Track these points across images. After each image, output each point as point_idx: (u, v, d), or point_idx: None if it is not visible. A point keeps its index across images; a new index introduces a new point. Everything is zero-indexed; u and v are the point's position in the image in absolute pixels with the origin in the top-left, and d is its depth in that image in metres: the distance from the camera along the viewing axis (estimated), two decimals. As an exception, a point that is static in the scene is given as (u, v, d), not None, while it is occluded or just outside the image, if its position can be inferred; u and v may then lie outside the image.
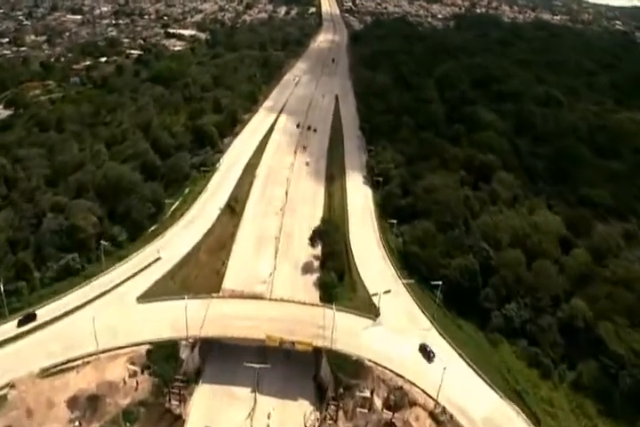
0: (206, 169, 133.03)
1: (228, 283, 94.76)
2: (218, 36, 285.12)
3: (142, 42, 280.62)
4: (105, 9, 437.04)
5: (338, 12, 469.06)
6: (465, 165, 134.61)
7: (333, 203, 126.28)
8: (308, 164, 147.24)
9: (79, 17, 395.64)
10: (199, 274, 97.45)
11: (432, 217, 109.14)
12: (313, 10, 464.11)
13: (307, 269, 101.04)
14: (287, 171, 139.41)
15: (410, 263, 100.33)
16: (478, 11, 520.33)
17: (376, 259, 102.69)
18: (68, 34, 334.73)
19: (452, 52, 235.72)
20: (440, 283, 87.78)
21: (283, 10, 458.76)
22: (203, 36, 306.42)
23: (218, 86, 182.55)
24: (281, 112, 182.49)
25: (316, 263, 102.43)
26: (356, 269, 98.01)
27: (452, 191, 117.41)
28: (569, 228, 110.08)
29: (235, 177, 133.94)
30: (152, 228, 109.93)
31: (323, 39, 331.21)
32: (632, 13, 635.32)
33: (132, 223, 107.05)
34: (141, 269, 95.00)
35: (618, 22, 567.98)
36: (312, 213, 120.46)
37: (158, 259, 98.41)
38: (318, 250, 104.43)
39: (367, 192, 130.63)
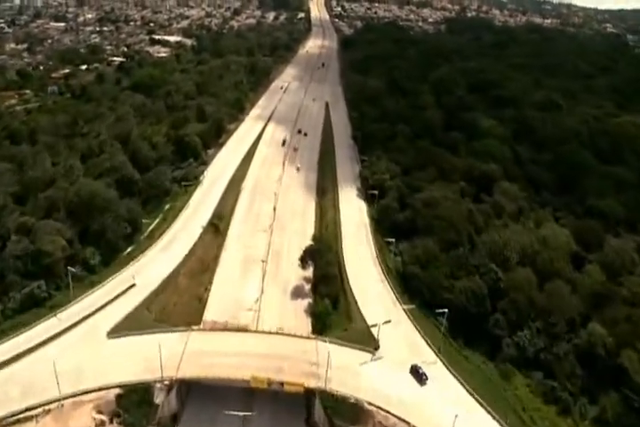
0: (188, 184, 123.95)
1: (211, 311, 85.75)
2: (204, 42, 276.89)
3: (126, 49, 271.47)
4: (89, 16, 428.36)
5: (327, 17, 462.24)
6: (465, 175, 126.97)
7: (325, 218, 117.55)
8: (298, 169, 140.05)
9: (62, 24, 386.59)
10: (178, 301, 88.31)
11: (433, 234, 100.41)
12: (302, 15, 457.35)
13: (297, 293, 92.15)
14: (275, 184, 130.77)
15: (410, 286, 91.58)
16: (469, 15, 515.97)
17: (373, 281, 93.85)
18: (50, 41, 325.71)
19: (446, 55, 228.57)
20: (445, 311, 78.91)
21: (271, 15, 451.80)
22: (189, 42, 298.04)
23: (202, 94, 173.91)
24: (269, 120, 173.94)
25: (308, 286, 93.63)
26: (352, 293, 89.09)
27: (454, 205, 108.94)
28: (578, 242, 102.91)
29: (219, 191, 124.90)
30: (128, 250, 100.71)
31: (312, 44, 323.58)
32: (621, 16, 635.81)
33: (106, 245, 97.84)
34: (114, 298, 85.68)
35: (608, 25, 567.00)
36: (303, 229, 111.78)
37: (133, 285, 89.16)
38: (310, 271, 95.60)
39: (361, 206, 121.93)
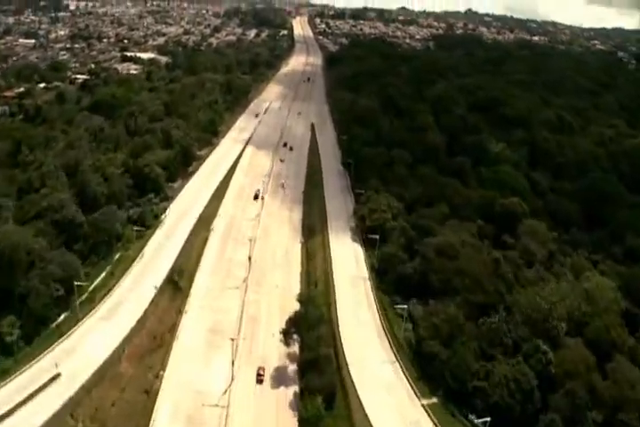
0: (139, 229, 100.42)
1: (163, 410, 62.80)
2: (178, 59, 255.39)
3: (93, 65, 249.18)
4: (62, 33, 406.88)
5: (311, 34, 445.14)
6: (481, 210, 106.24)
7: (314, 268, 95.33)
8: (283, 185, 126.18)
9: (32, 41, 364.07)
10: (118, 399, 65.03)
11: (454, 293, 78.50)
12: (285, 32, 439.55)
13: (279, 379, 69.53)
14: (252, 223, 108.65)
15: (429, 369, 69.13)
16: (457, 32, 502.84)
17: (380, 363, 71.08)
18: (15, 58, 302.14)
19: (440, 72, 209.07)
20: (488, 419, 56.57)
21: (252, 33, 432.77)
22: (163, 59, 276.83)
23: (170, 115, 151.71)
24: (247, 145, 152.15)
25: (292, 368, 71.22)
26: (353, 384, 66.08)
27: (476, 253, 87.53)
28: (627, 295, 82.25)
29: (183, 234, 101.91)
30: (58, 320, 77.39)
31: (295, 61, 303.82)
32: (607, 34, 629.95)
33: (29, 314, 74.59)
34: (26, 399, 62.00)
35: (596, 42, 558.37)
36: (285, 284, 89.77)
37: (57, 376, 65.71)
38: (295, 348, 73.08)
39: (358, 252, 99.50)
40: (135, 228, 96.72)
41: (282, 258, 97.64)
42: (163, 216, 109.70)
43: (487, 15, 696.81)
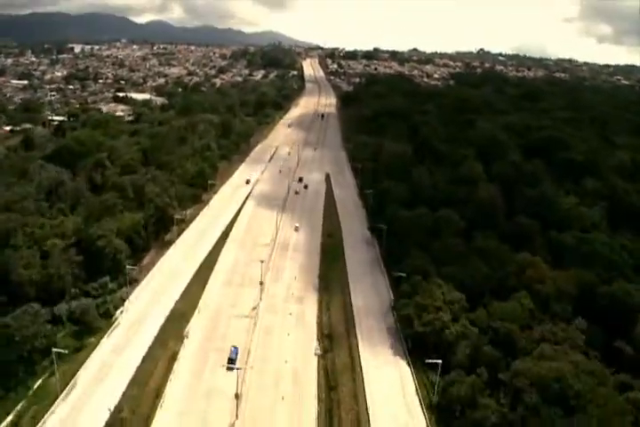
0: (58, 352, 65.37)
1: None
2: (175, 100, 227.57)
3: (78, 105, 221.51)
4: (58, 74, 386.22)
5: (322, 74, 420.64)
6: (577, 301, 72.70)
7: (338, 409, 60.38)
8: (297, 229, 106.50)
9: (25, 82, 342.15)
10: None
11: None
12: (294, 73, 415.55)
13: None
14: (244, 323, 74.60)
15: None
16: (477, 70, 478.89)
17: None
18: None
19: (475, 109, 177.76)
20: None
21: (260, 74, 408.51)
22: (159, 100, 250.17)
23: (149, 165, 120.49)
24: (244, 204, 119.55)
25: None
26: None
27: (605, 394, 52.84)
28: None
29: (141, 347, 68.15)
30: None
31: (306, 102, 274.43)
32: (626, 70, 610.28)
33: None
34: None
35: (619, 77, 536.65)
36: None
37: None
38: None
39: (405, 378, 64.69)
40: (55, 350, 62.17)
41: (289, 388, 63.06)
42: (118, 312, 76.31)
43: (500, 55, 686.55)
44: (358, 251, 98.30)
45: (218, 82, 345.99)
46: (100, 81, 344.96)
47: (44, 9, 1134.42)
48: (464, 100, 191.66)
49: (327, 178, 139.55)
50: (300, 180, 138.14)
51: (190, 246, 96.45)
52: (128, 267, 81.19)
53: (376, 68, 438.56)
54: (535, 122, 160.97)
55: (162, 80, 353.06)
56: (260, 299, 79.80)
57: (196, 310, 76.84)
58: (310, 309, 78.90)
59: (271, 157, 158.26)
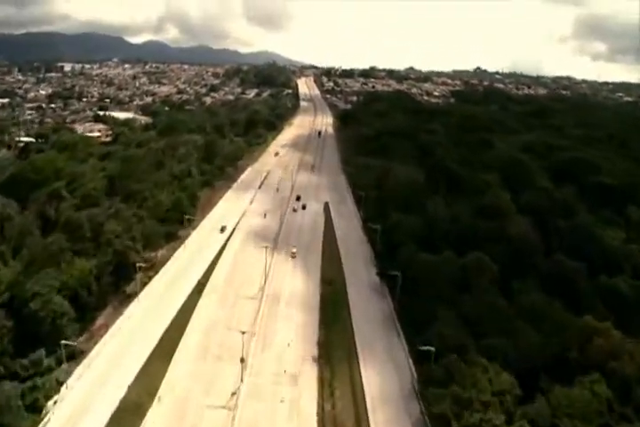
0: None
1: None
2: (160, 119, 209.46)
3: (50, 125, 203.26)
4: (43, 92, 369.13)
5: (318, 92, 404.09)
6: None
7: None
8: (294, 255, 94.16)
9: (6, 100, 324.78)
10: None
11: None
12: (289, 91, 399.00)
13: None
14: (221, 418, 55.20)
15: None
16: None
17: None
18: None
19: (486, 128, 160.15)
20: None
21: (253, 92, 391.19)
22: (143, 119, 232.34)
23: (115, 195, 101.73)
24: (228, 242, 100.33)
25: None
26: None
27: None
28: None
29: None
30: None
31: (301, 121, 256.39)
32: (625, 87, 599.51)
33: None
34: None
35: (620, 94, 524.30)
36: None
37: None
38: None
39: None
40: None
41: None
42: (50, 403, 56.86)
43: (497, 73, 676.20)
44: (366, 304, 79.00)
45: (208, 100, 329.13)
46: (84, 99, 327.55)
47: (39, 29, 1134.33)
48: (471, 117, 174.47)
49: (326, 208, 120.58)
50: (298, 198, 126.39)
51: (156, 302, 76.77)
52: (63, 343, 61.30)
53: (374, 86, 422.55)
54: (554, 141, 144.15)
55: (149, 99, 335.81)
56: (242, 380, 60.38)
57: (156, 399, 57.34)
58: (308, 393, 59.42)
59: (261, 183, 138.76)
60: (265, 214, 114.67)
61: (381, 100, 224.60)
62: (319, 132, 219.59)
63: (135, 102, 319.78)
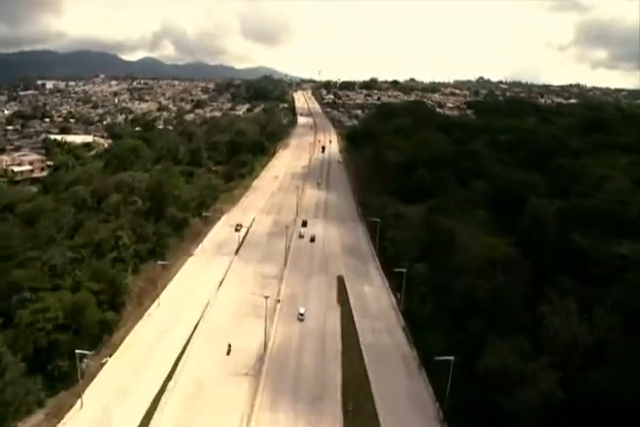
0: None
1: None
2: (121, 143, 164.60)
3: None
4: (6, 112, 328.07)
5: (317, 106, 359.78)
6: None
7: None
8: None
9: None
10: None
11: None
12: (284, 105, 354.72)
13: None
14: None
15: None
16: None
17: None
18: None
19: (554, 151, 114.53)
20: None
21: (244, 108, 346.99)
22: (106, 143, 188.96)
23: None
24: (194, 331, 55.19)
25: None
26: None
27: None
28: None
29: None
30: None
31: (299, 142, 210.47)
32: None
33: None
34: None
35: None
36: None
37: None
38: None
39: None
40: None
41: None
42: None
43: (501, 82, 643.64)
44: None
45: (191, 117, 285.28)
46: (47, 120, 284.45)
47: (34, 47, 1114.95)
48: (529, 135, 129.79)
49: (341, 284, 74.39)
50: (305, 224, 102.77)
51: None
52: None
53: (379, 98, 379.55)
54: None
55: (122, 117, 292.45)
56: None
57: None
58: None
59: (240, 244, 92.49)
60: (245, 299, 68.89)
61: (398, 114, 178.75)
62: (322, 148, 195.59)
63: (106, 121, 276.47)
